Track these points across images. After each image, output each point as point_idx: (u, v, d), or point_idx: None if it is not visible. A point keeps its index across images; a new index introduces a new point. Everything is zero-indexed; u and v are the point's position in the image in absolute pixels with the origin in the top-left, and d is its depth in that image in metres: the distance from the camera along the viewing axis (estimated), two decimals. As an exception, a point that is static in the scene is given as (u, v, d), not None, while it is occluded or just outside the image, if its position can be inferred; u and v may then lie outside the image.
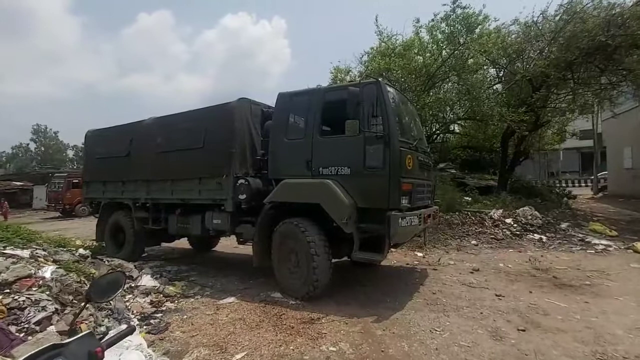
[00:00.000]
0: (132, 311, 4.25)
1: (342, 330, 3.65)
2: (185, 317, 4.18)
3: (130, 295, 4.67)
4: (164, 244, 8.05)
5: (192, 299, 4.86)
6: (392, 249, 6.41)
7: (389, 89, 4.47)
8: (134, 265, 6.12)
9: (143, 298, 4.75)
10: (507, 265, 6.13)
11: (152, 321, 4.04)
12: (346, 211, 4.23)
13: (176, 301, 4.79)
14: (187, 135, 5.88)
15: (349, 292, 4.84)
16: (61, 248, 5.17)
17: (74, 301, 3.74)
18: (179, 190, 6.01)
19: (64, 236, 7.40)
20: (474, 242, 7.87)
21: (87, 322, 3.54)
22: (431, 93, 11.91)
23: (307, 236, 4.39)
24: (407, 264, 6.47)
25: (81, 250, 5.33)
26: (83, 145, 7.86)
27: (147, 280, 5.33)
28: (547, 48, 10.81)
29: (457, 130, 17.99)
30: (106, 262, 5.58)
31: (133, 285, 5.13)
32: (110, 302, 3.99)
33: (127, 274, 5.53)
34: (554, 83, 10.65)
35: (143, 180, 6.48)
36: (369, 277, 5.56)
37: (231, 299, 4.74)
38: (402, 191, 4.18)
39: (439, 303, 4.34)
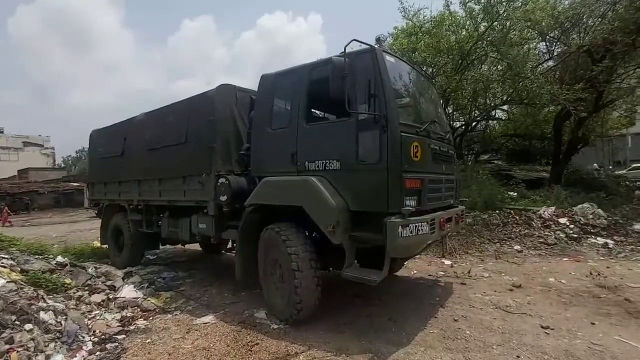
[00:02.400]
0: (92, 332, 3.70)
1: (321, 374, 2.78)
2: (148, 341, 3.56)
3: (98, 311, 4.16)
4: (178, 246, 7.67)
5: (170, 316, 4.25)
6: (404, 262, 5.40)
7: (387, 57, 3.45)
8: (124, 272, 5.70)
9: (114, 314, 4.22)
10: (560, 281, 4.83)
11: (108, 345, 3.46)
12: (332, 216, 3.33)
13: (151, 317, 4.21)
14: (171, 130, 5.29)
15: (348, 313, 3.95)
16: (36, 256, 4.82)
17: (17, 322, 3.25)
18: (166, 191, 5.46)
19: (45, 241, 7.24)
20: (517, 247, 6.53)
21: (22, 348, 3.02)
22: (466, 74, 10.41)
23: (289, 247, 3.56)
24: (430, 275, 5.38)
25: (59, 258, 4.95)
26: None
27: (128, 291, 4.83)
28: (611, 10, 8.90)
29: (501, 116, 16.01)
30: (89, 270, 5.18)
31: (111, 297, 4.65)
32: (61, 322, 3.47)
33: (109, 283, 5.09)
34: (621, 52, 8.72)
35: (135, 180, 6.04)
36: (379, 292, 4.58)
37: (209, 318, 4.06)
38: (405, 189, 3.18)
39: (460, 337, 3.29)
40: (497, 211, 8.16)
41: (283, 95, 4.15)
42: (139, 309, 4.45)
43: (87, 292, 4.59)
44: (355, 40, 3.37)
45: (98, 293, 4.64)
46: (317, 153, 3.71)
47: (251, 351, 3.19)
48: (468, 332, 3.38)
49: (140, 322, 4.05)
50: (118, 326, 3.91)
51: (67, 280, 4.52)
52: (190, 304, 4.65)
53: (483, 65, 10.68)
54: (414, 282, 5.08)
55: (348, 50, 3.32)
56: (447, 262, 6.04)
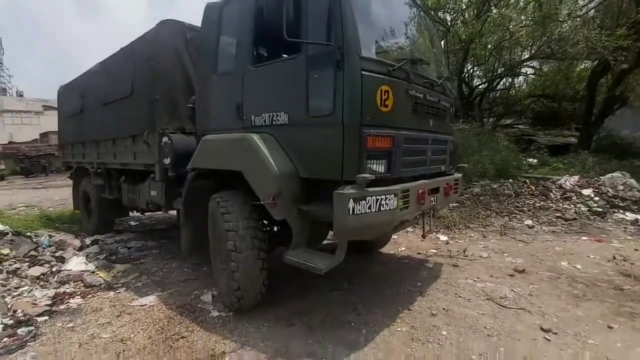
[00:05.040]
0: (12, 312, 3.24)
1: (240, 386, 2.17)
2: (69, 325, 3.06)
3: (29, 287, 3.69)
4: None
5: (112, 293, 3.75)
6: (390, 237, 4.66)
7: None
8: (84, 241, 5.27)
9: (50, 290, 3.76)
10: (574, 265, 3.99)
11: (20, 330, 2.97)
12: (272, 184, 2.59)
13: (90, 295, 3.72)
14: (118, 81, 4.55)
15: (308, 298, 3.32)
16: None
17: None
18: (119, 153, 4.82)
19: None
20: (528, 222, 5.64)
21: None
22: (489, 20, 8.93)
23: (226, 221, 2.87)
24: (419, 252, 4.64)
25: (0, 226, 4.50)
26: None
27: (76, 264, 4.36)
28: None
29: (530, 74, 14.21)
30: (42, 239, 4.72)
31: (55, 270, 4.20)
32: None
33: (59, 254, 4.65)
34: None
35: (93, 140, 5.43)
36: (354, 272, 3.92)
37: (150, 299, 3.52)
38: (365, 150, 2.37)
39: (433, 339, 2.59)
40: (510, 180, 7.18)
41: (230, 30, 3.26)
42: (82, 284, 3.98)
43: (28, 264, 4.14)
44: None
45: (41, 265, 4.19)
46: (263, 103, 2.90)
47: (171, 347, 2.62)
48: (445, 332, 2.68)
49: (74, 301, 3.56)
50: (46, 305, 3.43)
51: (5, 251, 4.08)
52: (141, 280, 4.13)
53: (510, 9, 9.06)
54: (397, 261, 4.37)
55: None
56: (444, 237, 5.28)
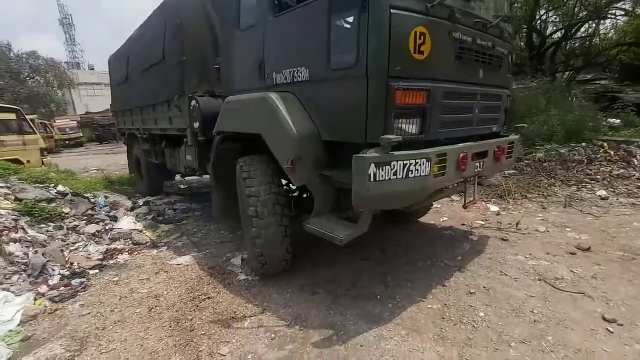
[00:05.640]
0: (69, 264, 3.59)
1: (254, 351, 2.14)
2: (115, 279, 3.32)
3: (85, 243, 4.05)
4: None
5: (155, 251, 4.00)
6: (432, 205, 4.29)
7: None
8: (134, 202, 5.67)
9: (103, 246, 4.10)
10: (657, 245, 3.34)
11: (74, 281, 3.28)
12: (291, 148, 2.40)
13: (136, 252, 4.00)
14: (152, 45, 4.54)
15: (337, 266, 3.20)
16: (37, 185, 4.85)
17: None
18: (159, 119, 4.93)
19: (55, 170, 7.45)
20: (601, 193, 4.84)
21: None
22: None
23: (248, 187, 2.77)
24: (464, 224, 4.24)
25: (60, 188, 4.94)
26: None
27: (126, 223, 4.70)
28: None
29: (619, 16, 11.81)
30: (91, 200, 5.13)
31: (108, 228, 4.57)
32: (28, 254, 3.36)
33: (113, 214, 5.04)
34: None
35: (138, 107, 5.64)
36: (389, 240, 3.71)
37: (186, 259, 3.68)
38: (394, 107, 2.04)
39: (468, 320, 2.32)
40: (583, 144, 6.19)
41: None
42: (130, 242, 4.29)
43: (85, 222, 4.54)
44: None
45: (96, 223, 4.57)
46: (284, 58, 2.65)
47: (198, 307, 2.69)
48: (482, 313, 2.39)
49: (122, 257, 3.86)
50: (98, 260, 3.75)
51: (66, 210, 4.49)
52: (182, 240, 4.35)
53: None
54: (437, 232, 4.03)
55: None
56: (494, 208, 4.76)
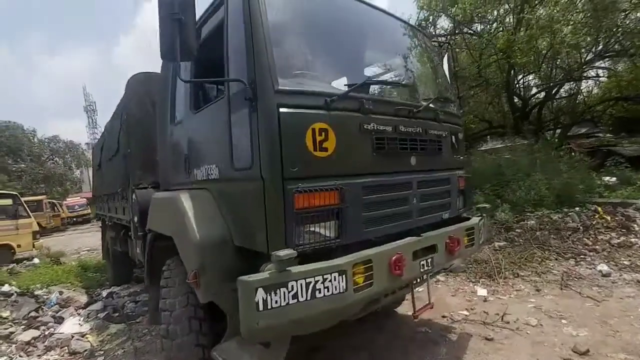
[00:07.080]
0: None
1: None
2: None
3: (8, 356, 3.58)
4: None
5: (89, 364, 3.48)
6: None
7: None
8: (90, 297, 5.26)
9: (29, 358, 3.61)
10: (671, 345, 2.72)
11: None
12: (192, 257, 2.07)
13: (66, 366, 3.49)
14: (112, 137, 4.58)
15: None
16: None
17: None
18: (117, 208, 4.76)
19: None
20: (602, 267, 4.27)
21: None
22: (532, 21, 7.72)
23: (162, 298, 2.40)
24: (444, 315, 3.66)
25: (5, 287, 4.62)
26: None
27: (70, 325, 4.25)
28: None
29: (600, 75, 12.05)
30: (51, 297, 4.75)
31: (47, 333, 4.11)
32: None
33: (59, 314, 4.61)
34: None
35: (105, 194, 5.55)
36: (350, 340, 3.14)
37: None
38: (295, 212, 1.75)
39: None
40: (577, 208, 5.75)
41: (183, 71, 2.96)
42: (67, 351, 3.79)
43: (24, 327, 4.11)
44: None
45: (36, 328, 4.13)
46: (202, 155, 2.48)
47: None
48: None
49: (44, 374, 3.36)
50: (18, 379, 3.26)
51: (4, 314, 4.10)
52: (124, 347, 3.83)
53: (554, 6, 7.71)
54: (410, 329, 3.44)
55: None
56: (482, 291, 4.19)
